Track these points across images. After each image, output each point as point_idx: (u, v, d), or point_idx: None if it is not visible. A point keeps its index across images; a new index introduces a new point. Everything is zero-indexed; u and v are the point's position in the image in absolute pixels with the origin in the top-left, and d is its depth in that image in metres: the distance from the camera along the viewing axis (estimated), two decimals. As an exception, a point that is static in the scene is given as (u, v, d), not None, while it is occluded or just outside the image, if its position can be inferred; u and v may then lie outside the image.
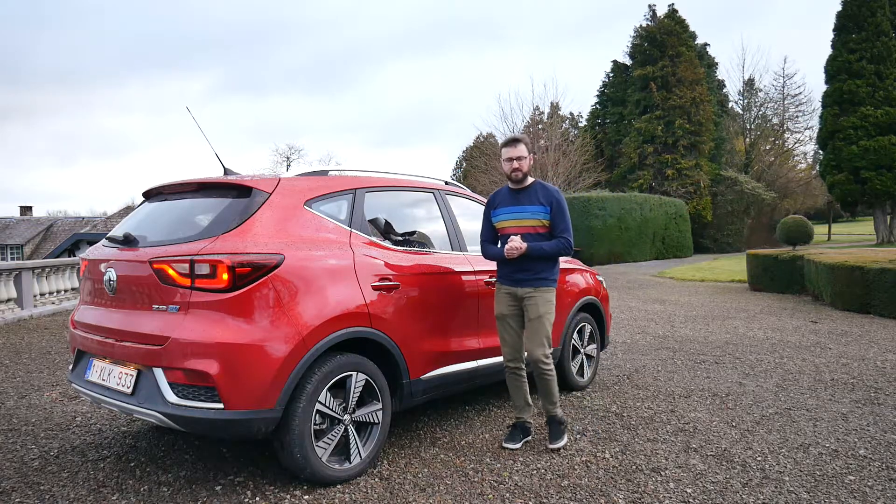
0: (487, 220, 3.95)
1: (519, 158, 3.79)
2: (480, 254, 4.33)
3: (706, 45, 41.58)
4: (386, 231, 3.86)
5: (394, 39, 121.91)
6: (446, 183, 4.54)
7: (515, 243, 3.67)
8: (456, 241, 4.19)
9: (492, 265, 4.34)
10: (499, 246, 3.88)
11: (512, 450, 3.77)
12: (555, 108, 37.76)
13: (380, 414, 3.45)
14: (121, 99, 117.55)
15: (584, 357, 5.23)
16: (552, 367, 3.80)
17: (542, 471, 3.46)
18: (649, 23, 38.37)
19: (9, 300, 10.09)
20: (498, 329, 3.91)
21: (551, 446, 3.78)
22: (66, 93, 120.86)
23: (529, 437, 3.93)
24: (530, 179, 3.86)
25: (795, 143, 47.24)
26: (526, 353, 3.84)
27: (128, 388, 3.11)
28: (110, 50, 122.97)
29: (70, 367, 3.71)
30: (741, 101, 46.77)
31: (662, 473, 3.42)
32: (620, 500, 3.09)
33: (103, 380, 3.29)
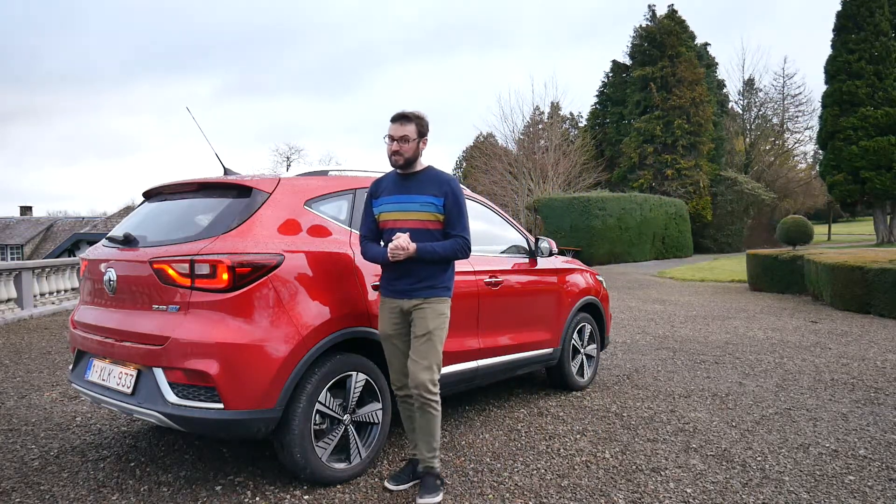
0: (367, 212, 3.27)
1: (402, 139, 3.10)
2: (480, 254, 4.33)
3: (706, 45, 41.60)
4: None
5: (397, 43, 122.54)
6: (446, 183, 4.53)
7: (402, 241, 2.99)
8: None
9: (492, 264, 4.34)
10: (382, 245, 3.22)
11: (392, 491, 3.19)
12: (555, 108, 37.83)
13: (380, 414, 3.45)
14: (128, 101, 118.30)
15: (584, 357, 5.23)
16: (438, 398, 3.12)
17: (542, 471, 3.46)
18: (649, 23, 38.38)
19: (9, 300, 10.09)
20: (385, 352, 3.27)
21: (420, 501, 3.02)
22: (73, 95, 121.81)
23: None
24: (423, 164, 3.23)
25: (795, 143, 47.34)
26: (408, 379, 3.16)
27: (128, 388, 3.11)
28: (118, 53, 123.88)
29: (70, 367, 3.71)
30: (741, 102, 46.84)
31: (662, 473, 3.42)
32: (620, 500, 3.09)
33: (103, 380, 3.29)
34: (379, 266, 3.45)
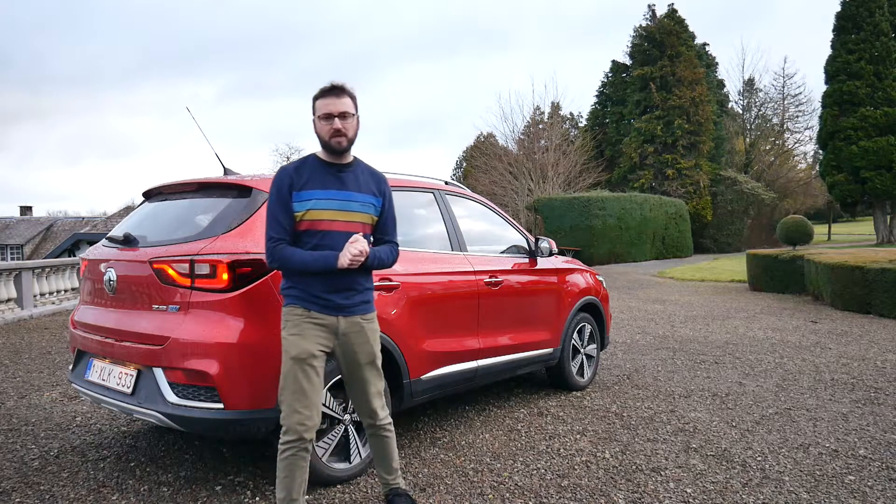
0: (280, 207, 2.57)
1: (343, 116, 2.60)
2: (480, 253, 4.34)
3: (705, 45, 41.62)
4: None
5: (399, 45, 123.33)
6: (446, 183, 4.53)
7: (362, 245, 2.54)
8: (456, 241, 4.19)
9: (492, 264, 4.34)
10: (307, 249, 2.60)
11: None
12: (555, 108, 37.81)
13: (380, 414, 3.44)
14: (131, 102, 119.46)
15: (584, 357, 5.23)
16: (390, 419, 2.91)
17: (542, 471, 3.46)
18: (649, 23, 38.38)
19: (9, 300, 10.09)
20: (293, 380, 2.55)
21: None
22: (76, 96, 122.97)
23: None
24: (352, 154, 2.75)
25: (795, 143, 47.32)
26: (362, 413, 2.83)
27: (128, 388, 3.11)
28: (122, 55, 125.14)
29: (70, 367, 3.71)
30: (741, 101, 46.85)
31: (662, 473, 3.42)
32: (620, 500, 3.09)
33: (103, 380, 3.29)
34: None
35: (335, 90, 2.61)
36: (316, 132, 2.65)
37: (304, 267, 2.56)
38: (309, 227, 2.59)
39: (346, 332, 2.67)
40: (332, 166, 2.67)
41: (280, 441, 2.56)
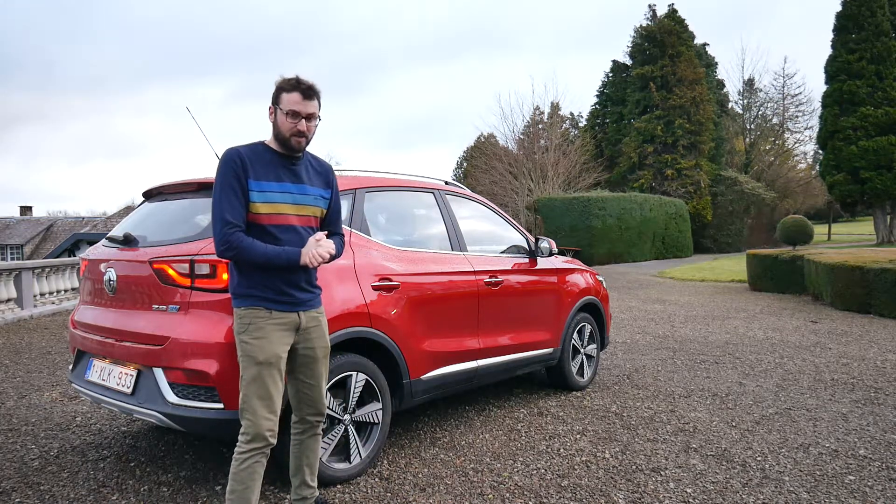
0: (237, 193, 2.46)
1: (310, 118, 2.56)
2: (480, 253, 4.34)
3: (705, 45, 41.61)
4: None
5: (403, 49, 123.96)
6: (446, 183, 4.53)
7: (329, 247, 2.57)
8: (456, 241, 4.19)
9: (493, 264, 4.34)
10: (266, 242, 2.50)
11: None
12: (555, 107, 37.79)
13: (380, 414, 3.45)
14: (140, 104, 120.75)
15: (584, 357, 5.23)
16: None
17: (542, 471, 3.46)
18: (649, 22, 38.40)
19: (9, 300, 10.09)
20: (260, 385, 2.48)
21: None
22: (85, 98, 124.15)
23: None
24: None
25: (795, 143, 47.32)
26: (309, 410, 2.73)
27: (128, 388, 3.11)
28: (133, 58, 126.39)
29: (70, 367, 3.71)
30: (741, 101, 46.83)
31: (662, 473, 3.42)
32: (620, 500, 3.09)
33: (103, 380, 3.29)
34: (378, 267, 3.46)
35: (308, 92, 2.54)
36: (275, 123, 2.56)
37: (265, 261, 2.47)
38: (266, 222, 2.51)
39: (306, 326, 2.64)
40: (285, 158, 2.61)
41: (242, 450, 2.49)
